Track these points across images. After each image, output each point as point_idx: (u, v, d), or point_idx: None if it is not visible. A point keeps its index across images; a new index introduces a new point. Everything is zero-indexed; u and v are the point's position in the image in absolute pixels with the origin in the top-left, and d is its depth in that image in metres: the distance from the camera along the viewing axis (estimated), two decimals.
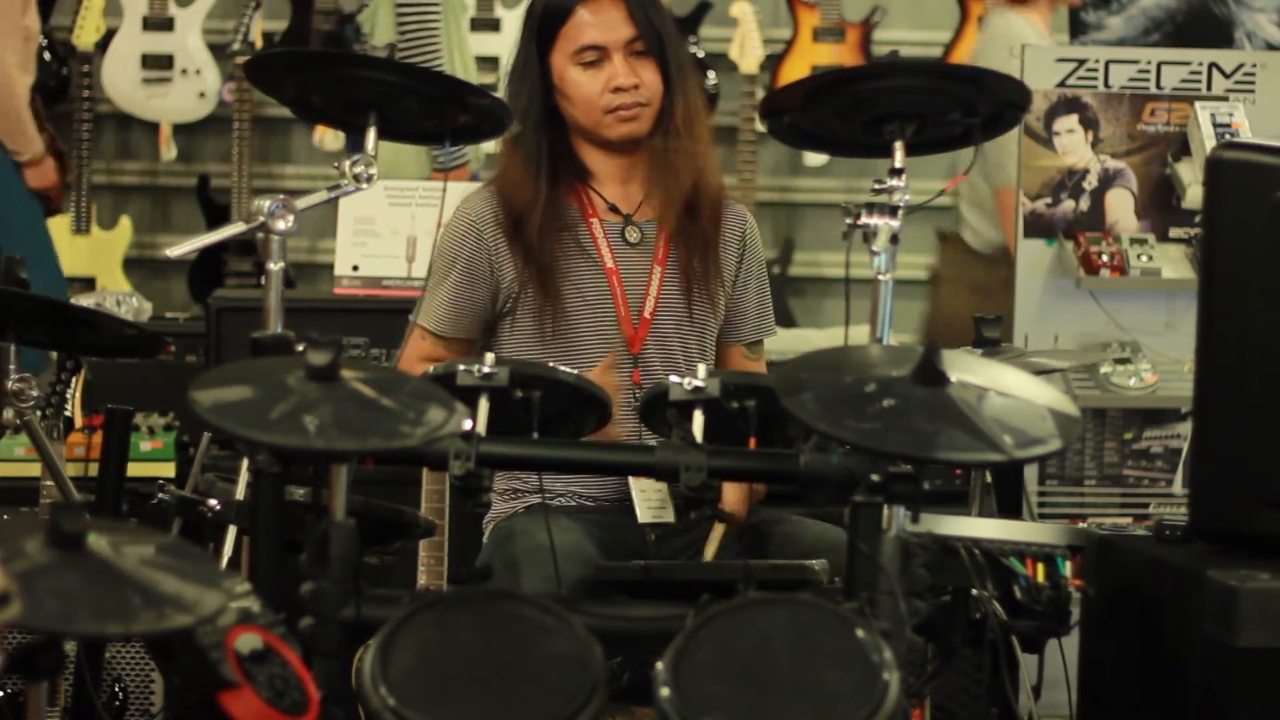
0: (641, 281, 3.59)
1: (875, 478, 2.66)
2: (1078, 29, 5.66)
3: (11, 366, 3.53)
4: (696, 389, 2.85)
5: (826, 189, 7.39)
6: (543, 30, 3.59)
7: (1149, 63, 5.11)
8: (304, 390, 2.57)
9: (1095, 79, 5.08)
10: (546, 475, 3.39)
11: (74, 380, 3.66)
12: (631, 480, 3.40)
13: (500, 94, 3.58)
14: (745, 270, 3.69)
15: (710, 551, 3.35)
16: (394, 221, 4.91)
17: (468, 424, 2.76)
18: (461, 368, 2.87)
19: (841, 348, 2.90)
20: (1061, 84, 5.06)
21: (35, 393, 3.55)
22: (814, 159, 7.41)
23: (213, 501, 3.27)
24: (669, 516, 3.34)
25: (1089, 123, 5.06)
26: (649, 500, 3.36)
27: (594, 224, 3.59)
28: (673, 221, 3.59)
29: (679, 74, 3.60)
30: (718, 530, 3.36)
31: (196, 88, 7.31)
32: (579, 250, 3.58)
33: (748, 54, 7.23)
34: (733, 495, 3.42)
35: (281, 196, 3.13)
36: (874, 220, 2.95)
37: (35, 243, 5.68)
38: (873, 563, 2.64)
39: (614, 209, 3.61)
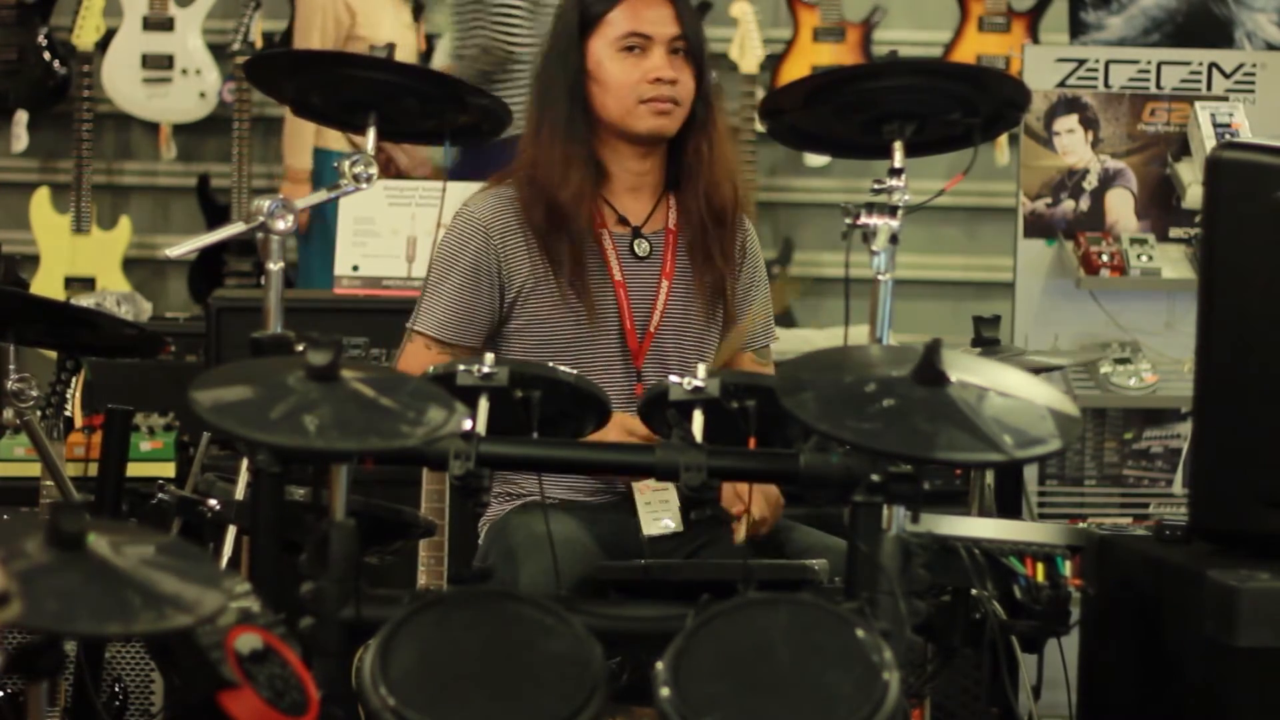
0: (649, 295, 3.55)
1: (875, 478, 2.66)
2: (1078, 29, 5.65)
3: (11, 366, 3.53)
4: (696, 389, 2.85)
5: (826, 189, 7.38)
6: (585, 14, 3.55)
7: (1149, 63, 5.11)
8: (304, 390, 2.56)
9: (1095, 79, 5.08)
10: (545, 476, 3.38)
11: (74, 380, 3.66)
12: (637, 494, 3.38)
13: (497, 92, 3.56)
14: (747, 278, 3.66)
15: (741, 533, 3.30)
16: (394, 221, 4.91)
17: (468, 424, 2.75)
18: (461, 368, 2.87)
19: (841, 348, 2.90)
20: (1061, 84, 5.07)
21: (35, 393, 3.55)
22: (814, 159, 7.40)
23: (213, 501, 3.27)
24: (676, 527, 3.31)
25: (1089, 123, 5.07)
26: (654, 513, 3.33)
27: (603, 235, 3.54)
28: (690, 234, 3.56)
29: (709, 86, 3.58)
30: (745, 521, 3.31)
31: (196, 88, 7.31)
32: (593, 260, 3.53)
33: (748, 54, 7.23)
34: (761, 504, 3.38)
35: (281, 196, 3.13)
36: (873, 220, 2.95)
37: None
38: (873, 563, 2.64)
39: (623, 220, 3.56)
